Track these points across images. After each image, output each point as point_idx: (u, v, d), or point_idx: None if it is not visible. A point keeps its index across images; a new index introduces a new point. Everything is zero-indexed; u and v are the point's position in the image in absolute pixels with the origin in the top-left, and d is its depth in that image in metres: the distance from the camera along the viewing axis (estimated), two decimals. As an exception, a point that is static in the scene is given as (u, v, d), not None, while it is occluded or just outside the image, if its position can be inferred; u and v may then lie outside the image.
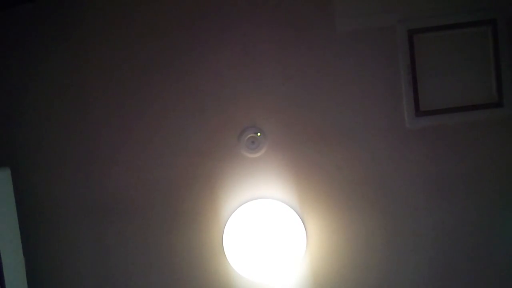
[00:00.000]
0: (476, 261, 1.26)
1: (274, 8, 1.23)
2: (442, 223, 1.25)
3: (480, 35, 1.22)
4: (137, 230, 1.28)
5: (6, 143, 1.28)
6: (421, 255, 1.26)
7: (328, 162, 1.25)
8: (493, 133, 1.24)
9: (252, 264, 1.24)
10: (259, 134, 1.24)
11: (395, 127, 1.24)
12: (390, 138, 1.25)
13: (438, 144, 1.24)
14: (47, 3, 1.25)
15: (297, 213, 1.25)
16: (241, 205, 1.25)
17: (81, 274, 1.30)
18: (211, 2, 1.24)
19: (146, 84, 1.26)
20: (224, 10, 1.24)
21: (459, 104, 1.23)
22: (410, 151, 1.25)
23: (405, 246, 1.26)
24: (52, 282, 1.30)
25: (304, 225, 1.25)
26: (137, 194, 1.28)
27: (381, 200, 1.26)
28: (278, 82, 1.25)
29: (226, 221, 1.25)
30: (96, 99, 1.27)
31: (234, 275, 1.27)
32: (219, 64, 1.25)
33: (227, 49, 1.24)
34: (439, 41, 1.22)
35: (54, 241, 1.29)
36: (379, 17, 1.22)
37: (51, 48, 1.26)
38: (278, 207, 1.24)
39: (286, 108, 1.25)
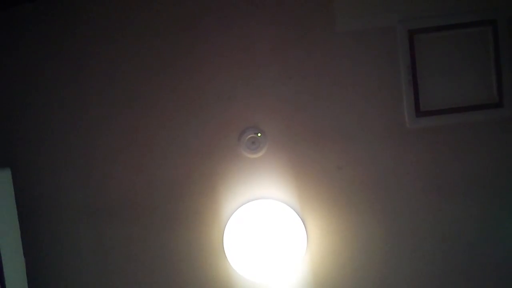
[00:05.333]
0: (475, 261, 1.26)
1: (274, 8, 1.23)
2: (442, 222, 1.25)
3: (480, 35, 1.22)
4: (138, 230, 1.28)
5: (6, 143, 1.28)
6: (421, 255, 1.26)
7: (328, 162, 1.25)
8: (493, 133, 1.24)
9: (252, 264, 1.24)
10: (259, 134, 1.24)
11: (395, 127, 1.24)
12: (390, 138, 1.25)
13: (438, 144, 1.24)
14: (47, 3, 1.25)
15: (297, 213, 1.25)
16: (242, 205, 1.25)
17: (81, 274, 1.30)
18: (211, 2, 1.24)
19: (146, 84, 1.26)
20: (224, 10, 1.24)
21: (459, 104, 1.23)
22: (410, 151, 1.25)
23: (405, 246, 1.26)
24: (52, 282, 1.30)
25: (304, 225, 1.25)
26: (137, 194, 1.28)
27: (381, 200, 1.26)
28: (278, 82, 1.25)
29: (227, 221, 1.25)
30: (96, 99, 1.27)
31: (234, 275, 1.27)
32: (219, 64, 1.25)
33: (227, 49, 1.24)
34: (439, 41, 1.22)
35: (54, 241, 1.29)
36: (379, 17, 1.22)
37: (51, 48, 1.26)
38: (278, 207, 1.24)
39: (286, 108, 1.25)
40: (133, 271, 1.29)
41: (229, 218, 1.25)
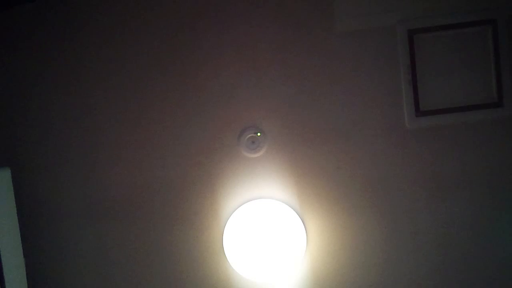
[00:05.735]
0: (475, 261, 1.26)
1: (274, 8, 1.24)
2: (441, 223, 1.25)
3: (480, 35, 1.22)
4: (137, 230, 1.28)
5: (6, 143, 1.28)
6: (420, 255, 1.26)
7: (328, 162, 1.25)
8: (493, 133, 1.24)
9: (252, 264, 1.24)
10: (259, 134, 1.24)
11: (395, 127, 1.24)
12: (390, 138, 1.25)
13: (438, 144, 1.24)
14: (47, 3, 1.25)
15: (297, 213, 1.25)
16: (241, 205, 1.25)
17: (81, 274, 1.30)
18: (211, 2, 1.24)
19: (146, 84, 1.26)
20: (224, 10, 1.24)
21: (459, 104, 1.23)
22: (410, 151, 1.25)
23: (404, 246, 1.26)
24: (52, 282, 1.30)
25: (304, 225, 1.25)
26: (137, 194, 1.28)
27: (381, 200, 1.26)
28: (278, 82, 1.25)
29: (226, 221, 1.25)
30: (96, 99, 1.27)
31: (234, 275, 1.27)
32: (219, 64, 1.25)
33: (228, 49, 1.24)
34: (439, 41, 1.22)
35: (54, 241, 1.29)
36: (379, 17, 1.22)
37: (51, 48, 1.26)
38: (278, 207, 1.24)
39: (286, 108, 1.25)
40: (133, 271, 1.29)
41: (229, 217, 1.25)
